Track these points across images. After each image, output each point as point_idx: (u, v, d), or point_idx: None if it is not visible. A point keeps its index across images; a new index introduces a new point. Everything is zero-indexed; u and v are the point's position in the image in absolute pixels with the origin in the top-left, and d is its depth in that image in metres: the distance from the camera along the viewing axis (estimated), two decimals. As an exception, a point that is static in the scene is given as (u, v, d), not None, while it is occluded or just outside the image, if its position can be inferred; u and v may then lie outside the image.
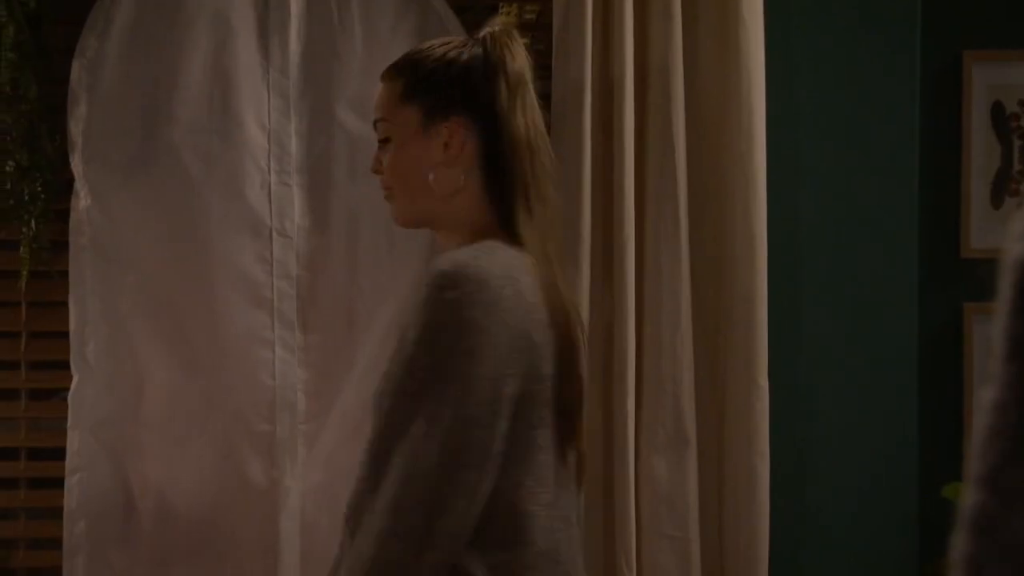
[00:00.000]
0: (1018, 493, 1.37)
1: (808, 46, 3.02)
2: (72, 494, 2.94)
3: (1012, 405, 1.38)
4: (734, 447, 2.88)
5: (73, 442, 2.94)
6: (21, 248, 2.98)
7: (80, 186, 2.95)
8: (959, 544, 1.42)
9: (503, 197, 2.04)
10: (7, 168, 2.98)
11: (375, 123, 2.11)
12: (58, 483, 2.96)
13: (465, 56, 2.07)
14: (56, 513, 2.97)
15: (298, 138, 2.97)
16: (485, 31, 2.11)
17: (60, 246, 3.00)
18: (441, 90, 2.05)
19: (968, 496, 1.43)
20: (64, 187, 2.99)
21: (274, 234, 2.96)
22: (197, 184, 2.94)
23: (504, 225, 2.04)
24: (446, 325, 1.88)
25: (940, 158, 3.11)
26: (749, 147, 2.87)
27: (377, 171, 2.11)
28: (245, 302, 2.95)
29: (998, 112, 3.11)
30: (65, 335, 2.97)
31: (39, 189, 2.98)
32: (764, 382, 2.87)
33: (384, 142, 2.10)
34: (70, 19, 2.99)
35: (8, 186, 2.99)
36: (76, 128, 2.95)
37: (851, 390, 3.03)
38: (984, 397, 1.44)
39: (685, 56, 2.89)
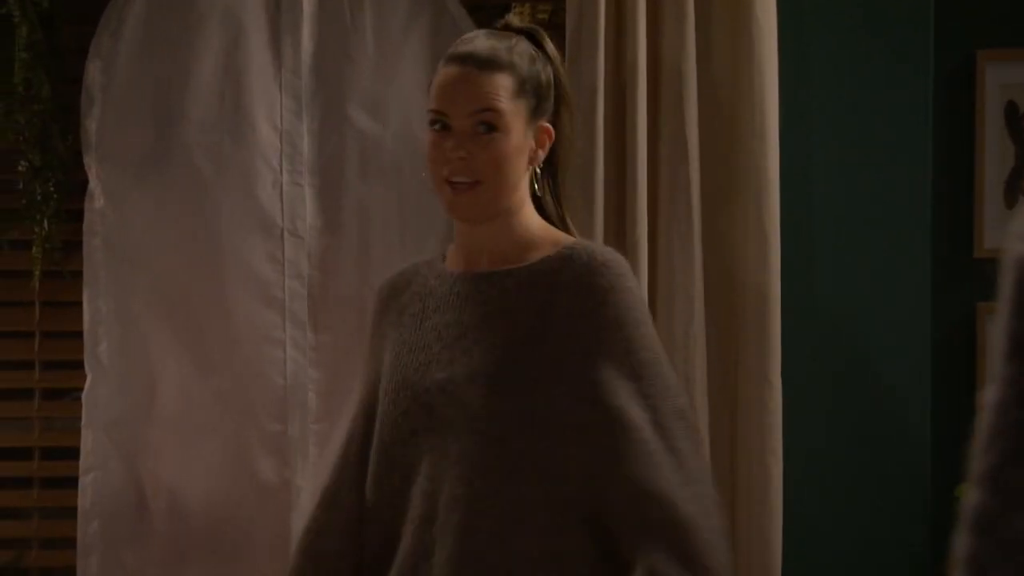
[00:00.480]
0: (1019, 492, 1.36)
1: (821, 46, 3.02)
2: (86, 493, 2.94)
3: (1012, 404, 1.38)
4: (747, 445, 2.88)
5: (87, 441, 2.95)
6: (34, 248, 2.99)
7: (94, 186, 2.96)
8: (961, 544, 1.41)
9: (552, 200, 2.25)
10: (20, 168, 2.99)
11: (477, 112, 2.11)
12: (72, 482, 2.97)
13: (541, 64, 2.20)
14: (70, 512, 2.97)
15: (310, 138, 2.97)
16: (523, 35, 2.24)
17: (73, 246, 3.01)
18: (541, 92, 2.18)
19: (969, 496, 1.42)
20: (77, 187, 2.99)
21: (286, 234, 2.96)
22: (209, 184, 2.94)
23: (552, 224, 2.24)
24: (647, 315, 2.16)
25: (953, 158, 3.10)
26: (762, 147, 2.87)
27: (463, 159, 2.11)
28: (257, 302, 2.95)
29: (1011, 112, 3.10)
30: (78, 335, 2.97)
31: (52, 189, 2.98)
32: (777, 380, 2.86)
33: (483, 132, 2.12)
34: (83, 19, 2.99)
35: (21, 186, 3.00)
36: (89, 128, 2.96)
37: (864, 389, 3.02)
38: (985, 396, 1.43)
39: (698, 56, 2.88)
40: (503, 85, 2.14)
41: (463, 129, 2.12)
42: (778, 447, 2.86)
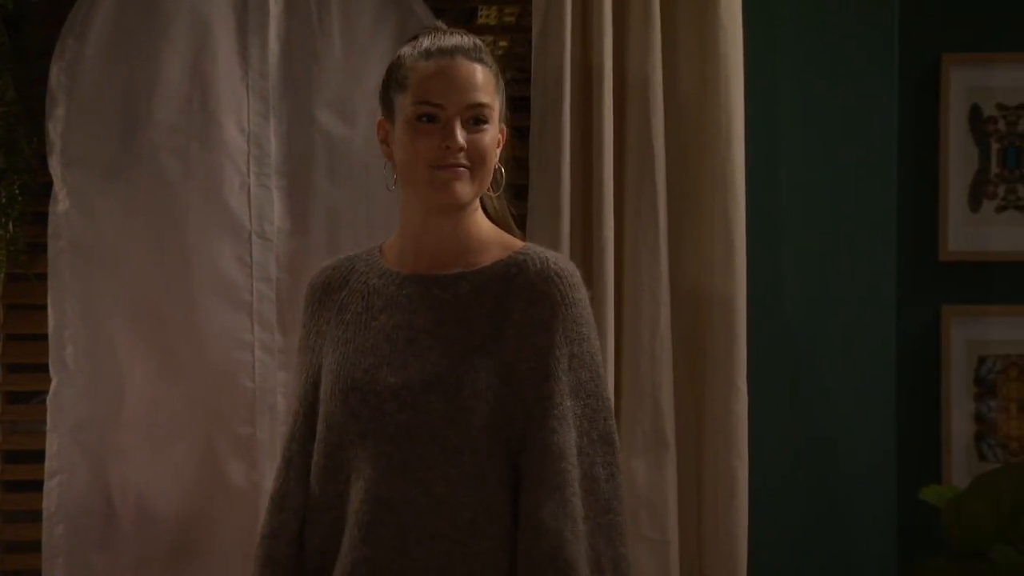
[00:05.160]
0: None
1: (787, 49, 3.03)
2: (51, 497, 2.93)
3: None
4: (713, 449, 2.89)
5: (52, 445, 2.93)
6: (-2, 251, 2.98)
7: (58, 189, 2.94)
8: None
9: (498, 202, 2.31)
10: (-16, 171, 2.97)
11: (472, 105, 2.15)
12: (37, 486, 2.95)
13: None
14: (35, 516, 2.96)
15: (277, 140, 2.97)
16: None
17: (38, 248, 2.99)
18: (503, 93, 2.25)
19: None
20: (42, 190, 2.98)
21: (253, 236, 2.96)
22: (176, 186, 2.93)
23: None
24: (593, 329, 2.19)
25: (918, 161, 3.12)
26: (728, 150, 2.87)
27: (460, 149, 2.14)
28: (224, 305, 2.94)
29: (976, 115, 3.12)
30: (43, 338, 2.96)
31: (17, 192, 2.97)
32: (743, 384, 2.87)
33: (472, 124, 2.16)
34: (49, 21, 2.98)
35: (-15, 188, 2.99)
36: (54, 131, 2.94)
37: (829, 392, 3.04)
38: None
39: (664, 61, 2.89)
40: (489, 79, 2.19)
41: (452, 120, 2.14)
42: (744, 451, 2.87)
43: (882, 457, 3.04)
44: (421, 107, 2.15)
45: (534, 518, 2.06)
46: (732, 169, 2.87)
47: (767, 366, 2.98)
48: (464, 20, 3.19)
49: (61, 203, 2.95)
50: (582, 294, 2.17)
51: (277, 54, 2.97)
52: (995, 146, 3.12)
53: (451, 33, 2.22)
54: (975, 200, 3.12)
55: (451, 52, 2.17)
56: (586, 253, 2.87)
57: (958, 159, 3.12)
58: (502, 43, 3.17)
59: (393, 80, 2.22)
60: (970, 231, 3.12)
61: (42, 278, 2.97)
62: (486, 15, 3.23)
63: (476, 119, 2.16)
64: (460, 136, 2.14)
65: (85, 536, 2.94)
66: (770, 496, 2.99)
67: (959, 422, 3.11)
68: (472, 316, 2.15)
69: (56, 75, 2.94)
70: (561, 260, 2.20)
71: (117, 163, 2.94)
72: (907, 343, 3.09)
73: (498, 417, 2.11)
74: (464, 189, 2.16)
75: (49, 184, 2.96)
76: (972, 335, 3.11)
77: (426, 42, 2.20)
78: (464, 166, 2.15)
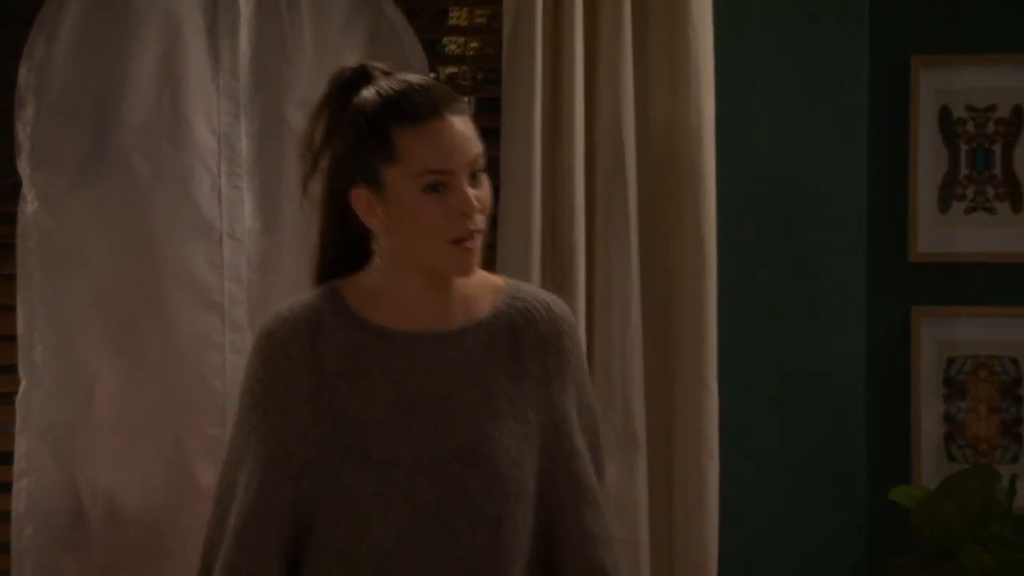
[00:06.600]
0: None
1: (757, 51, 3.04)
2: (20, 499, 2.91)
3: None
4: (684, 449, 2.89)
5: (21, 446, 2.92)
6: (-33, 251, 2.97)
7: (27, 189, 2.93)
8: None
9: None
10: (-46, 171, 2.96)
11: (475, 158, 2.02)
12: (5, 487, 2.94)
13: None
14: (4, 518, 2.94)
15: (248, 141, 2.96)
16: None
17: (6, 249, 2.98)
18: None
19: None
20: (10, 190, 2.97)
21: (224, 237, 2.95)
22: (146, 187, 2.92)
23: None
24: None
25: (888, 163, 3.13)
26: (699, 151, 2.88)
27: (476, 210, 2.01)
28: (195, 305, 2.94)
29: (945, 117, 3.13)
30: (12, 339, 2.94)
31: (-15, 192, 2.96)
32: (713, 384, 2.88)
33: (475, 176, 2.03)
34: (18, 21, 2.97)
35: (-46, 189, 2.98)
36: (23, 131, 2.93)
37: (800, 392, 3.04)
38: None
39: (635, 61, 2.90)
40: (469, 120, 2.06)
41: (460, 182, 2.01)
42: (715, 450, 2.88)
43: (852, 457, 3.05)
44: (427, 177, 1.99)
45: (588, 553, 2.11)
46: (702, 169, 2.88)
47: (738, 366, 2.98)
48: (436, 21, 3.19)
49: (30, 204, 2.93)
50: (580, 331, 2.22)
51: (248, 55, 2.96)
52: (964, 148, 3.13)
53: (415, 82, 2.05)
54: (945, 202, 3.14)
55: (436, 110, 2.00)
56: (557, 253, 2.87)
57: (927, 161, 3.13)
58: (473, 44, 3.18)
59: (373, 149, 2.03)
60: (940, 232, 3.13)
61: (11, 279, 2.96)
62: (457, 16, 3.24)
63: (475, 171, 2.03)
64: (472, 198, 2.00)
65: (54, 538, 2.92)
66: (741, 496, 2.99)
67: (929, 423, 3.12)
68: (488, 375, 2.06)
69: (25, 76, 2.93)
70: (559, 303, 2.15)
71: (87, 164, 2.93)
72: (877, 344, 3.10)
73: (528, 479, 2.06)
74: (478, 258, 2.05)
75: (18, 185, 2.95)
76: (942, 336, 3.12)
77: (395, 99, 2.03)
78: (479, 231, 2.03)
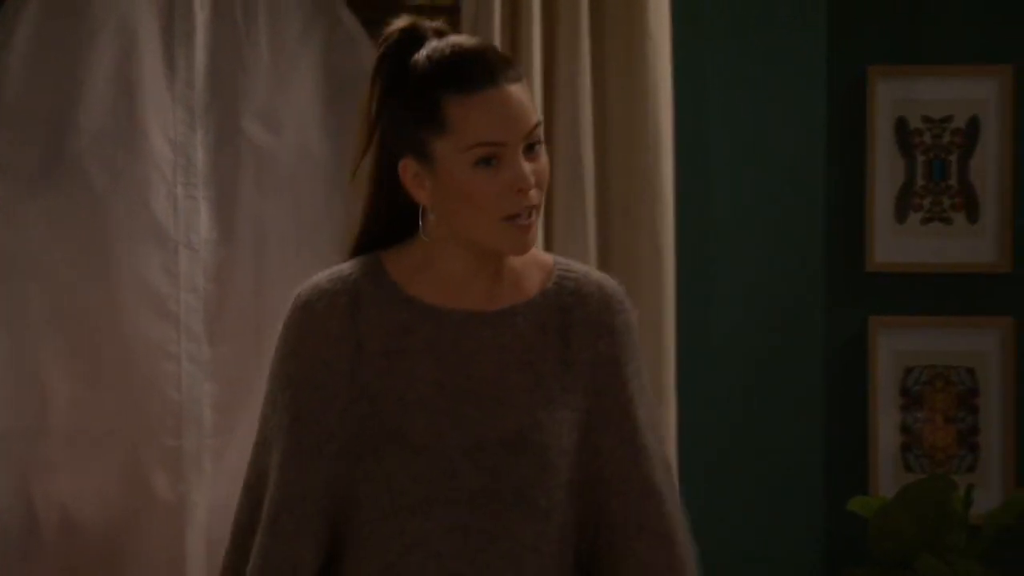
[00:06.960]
0: None
1: (715, 60, 3.05)
2: (-27, 509, 2.90)
3: None
4: (640, 459, 2.89)
5: (-27, 456, 2.91)
6: (-79, 260, 2.94)
7: (-18, 197, 2.92)
8: None
9: None
10: (-93, 179, 2.94)
11: (532, 129, 1.85)
12: (-43, 498, 2.92)
13: None
14: (-45, 528, 2.93)
15: (204, 150, 2.95)
16: None
17: (-39, 257, 2.96)
18: None
19: None
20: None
21: (180, 247, 2.94)
22: (102, 196, 2.91)
23: None
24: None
25: (845, 173, 3.14)
26: (656, 161, 2.89)
27: (532, 186, 1.86)
28: (151, 315, 2.92)
29: (902, 128, 3.14)
30: (-34, 348, 2.93)
31: (-60, 200, 2.94)
32: (671, 394, 2.88)
33: (532, 148, 1.87)
34: (-27, 28, 2.95)
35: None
36: (-24, 140, 2.92)
37: (757, 402, 3.05)
38: None
39: (593, 70, 2.90)
40: (527, 88, 1.91)
41: (516, 156, 1.85)
42: (672, 459, 2.87)
43: (810, 467, 3.06)
44: (480, 150, 1.83)
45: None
46: (660, 178, 2.88)
47: (695, 376, 2.99)
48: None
49: (-16, 212, 2.92)
50: (634, 316, 1.98)
51: (204, 63, 2.95)
52: (921, 158, 3.14)
53: (459, 43, 1.88)
54: (902, 212, 3.15)
55: (491, 78, 1.84)
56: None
57: (884, 171, 3.14)
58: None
59: (422, 118, 1.87)
60: (897, 242, 3.14)
61: (-35, 288, 2.94)
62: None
63: (532, 143, 1.86)
64: (528, 172, 1.85)
65: (8, 548, 2.91)
66: (698, 504, 2.99)
67: (886, 432, 3.13)
68: (538, 360, 1.92)
69: (-21, 83, 2.91)
70: (611, 282, 1.98)
71: (42, 171, 2.92)
72: (834, 353, 3.11)
73: (576, 470, 1.93)
74: (535, 235, 1.89)
75: (-27, 192, 2.94)
76: (899, 346, 3.13)
77: (446, 65, 1.86)
78: (535, 207, 1.88)
